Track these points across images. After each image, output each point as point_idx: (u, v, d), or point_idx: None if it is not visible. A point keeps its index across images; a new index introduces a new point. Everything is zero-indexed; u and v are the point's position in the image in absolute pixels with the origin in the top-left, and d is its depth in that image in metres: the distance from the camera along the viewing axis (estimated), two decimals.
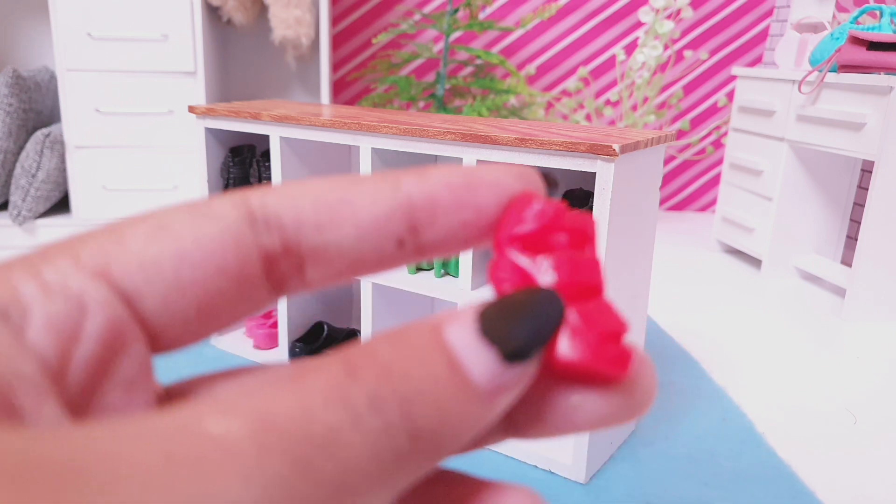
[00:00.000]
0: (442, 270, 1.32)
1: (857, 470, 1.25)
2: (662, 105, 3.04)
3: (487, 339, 0.13)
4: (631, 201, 1.11)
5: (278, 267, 0.16)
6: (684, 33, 3.01)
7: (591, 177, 1.26)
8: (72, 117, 2.19)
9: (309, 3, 2.33)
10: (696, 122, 3.13)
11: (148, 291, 0.15)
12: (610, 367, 0.14)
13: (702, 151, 3.17)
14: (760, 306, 2.05)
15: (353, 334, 1.61)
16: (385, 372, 0.13)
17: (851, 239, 2.31)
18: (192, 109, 1.54)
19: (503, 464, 1.20)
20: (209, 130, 1.56)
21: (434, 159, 1.39)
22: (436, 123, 1.27)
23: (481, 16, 2.91)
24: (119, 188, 2.26)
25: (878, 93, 1.86)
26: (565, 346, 0.14)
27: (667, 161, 3.16)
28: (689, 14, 2.61)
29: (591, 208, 1.18)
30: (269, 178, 1.60)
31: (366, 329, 1.42)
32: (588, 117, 2.96)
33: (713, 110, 3.13)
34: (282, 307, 1.54)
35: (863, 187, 2.28)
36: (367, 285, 1.37)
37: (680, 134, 3.13)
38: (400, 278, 1.32)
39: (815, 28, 2.34)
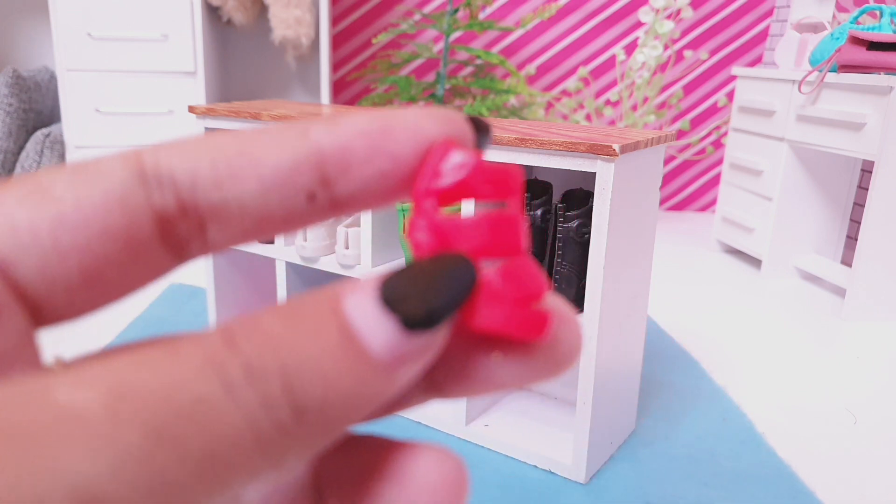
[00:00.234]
0: None
1: (857, 470, 1.25)
2: (662, 105, 3.04)
3: (388, 307, 0.13)
4: (631, 201, 1.11)
5: (176, 229, 0.15)
6: (684, 33, 3.01)
7: (591, 177, 1.26)
8: (72, 117, 2.20)
9: (309, 3, 2.33)
10: (696, 122, 3.13)
11: (22, 258, 0.13)
12: (525, 331, 0.14)
13: (702, 151, 3.17)
14: (760, 306, 2.05)
15: None
16: (268, 342, 0.12)
17: (851, 239, 2.31)
18: (192, 109, 1.54)
19: (503, 464, 1.20)
20: (209, 130, 1.56)
21: None
22: None
23: (481, 16, 2.91)
24: None
25: (878, 93, 1.86)
26: (480, 312, 0.14)
27: (667, 161, 3.16)
28: (689, 14, 2.61)
29: (591, 208, 1.18)
30: None
31: None
32: (588, 117, 2.96)
33: (713, 110, 3.13)
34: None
35: (863, 187, 2.28)
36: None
37: (680, 134, 3.13)
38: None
39: (815, 28, 2.34)
